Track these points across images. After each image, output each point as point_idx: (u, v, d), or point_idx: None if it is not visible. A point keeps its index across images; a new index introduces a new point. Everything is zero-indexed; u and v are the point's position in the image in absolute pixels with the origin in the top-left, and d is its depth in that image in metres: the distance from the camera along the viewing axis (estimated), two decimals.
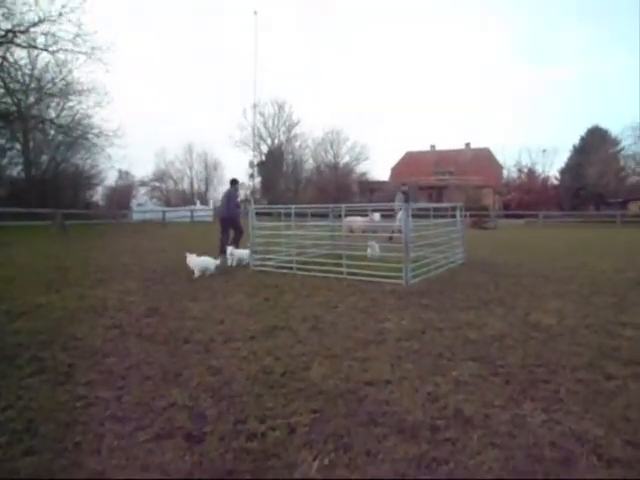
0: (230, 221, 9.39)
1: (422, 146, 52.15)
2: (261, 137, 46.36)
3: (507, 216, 32.23)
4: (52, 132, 24.00)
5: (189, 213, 28.37)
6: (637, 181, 33.00)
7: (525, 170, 37.09)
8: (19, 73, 21.78)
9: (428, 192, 44.73)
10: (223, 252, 8.51)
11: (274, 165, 45.70)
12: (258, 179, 47.52)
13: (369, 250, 8.61)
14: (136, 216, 30.75)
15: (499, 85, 73.94)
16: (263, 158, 46.86)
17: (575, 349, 3.49)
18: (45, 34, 19.42)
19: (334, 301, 5.34)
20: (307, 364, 3.21)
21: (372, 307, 5.02)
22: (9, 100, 21.54)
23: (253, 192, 47.88)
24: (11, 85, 21.28)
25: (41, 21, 18.95)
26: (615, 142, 35.29)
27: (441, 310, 4.85)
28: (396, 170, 49.91)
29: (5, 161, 23.80)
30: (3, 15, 18.25)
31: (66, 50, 20.47)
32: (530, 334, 3.92)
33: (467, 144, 48.94)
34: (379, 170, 57.49)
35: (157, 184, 49.94)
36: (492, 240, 15.29)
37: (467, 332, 3.98)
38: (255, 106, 45.60)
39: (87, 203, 28.91)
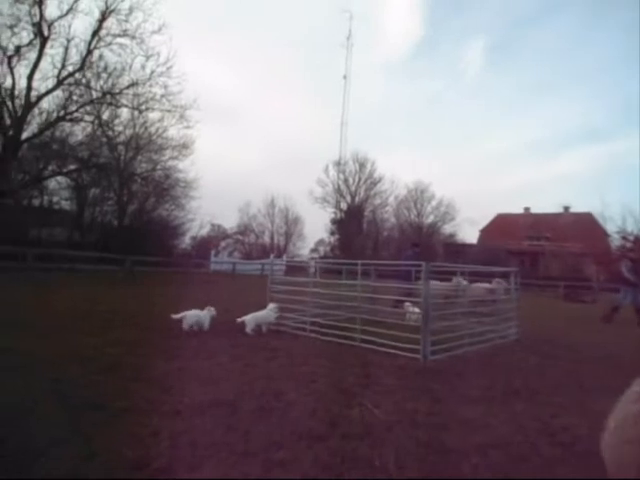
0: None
1: (514, 209, 49.17)
2: (341, 194, 46.80)
3: (615, 290, 28.12)
4: (142, 183, 26.23)
5: (260, 266, 28.76)
6: None
7: (631, 237, 32.75)
8: (121, 129, 24.61)
9: (520, 258, 41.40)
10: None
11: (353, 223, 45.58)
12: (336, 236, 47.63)
13: (408, 315, 7.59)
14: (213, 266, 31.90)
15: (601, 147, 68.20)
16: (342, 215, 47.02)
17: None
18: (136, 95, 21.85)
19: (320, 373, 4.50)
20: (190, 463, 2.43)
21: (358, 386, 4.10)
22: (109, 154, 24.14)
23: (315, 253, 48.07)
24: (113, 140, 23.90)
25: (133, 84, 21.34)
26: None
27: (442, 399, 3.81)
28: (486, 232, 47.26)
29: (99, 210, 26.34)
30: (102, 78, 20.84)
31: (153, 109, 22.77)
32: (540, 448, 2.79)
33: (566, 208, 45.12)
34: (467, 231, 54.55)
35: (240, 237, 52.15)
36: (579, 316, 13.15)
37: (448, 436, 2.94)
38: (339, 164, 46.95)
39: (170, 252, 30.59)
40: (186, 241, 40.06)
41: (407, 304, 7.72)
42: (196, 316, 6.40)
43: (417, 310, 7.61)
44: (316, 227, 64.64)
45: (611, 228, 34.61)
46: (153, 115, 24.07)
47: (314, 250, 54.91)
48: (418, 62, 72.78)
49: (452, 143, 72.72)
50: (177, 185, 27.10)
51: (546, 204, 60.54)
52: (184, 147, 26.35)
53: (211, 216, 46.20)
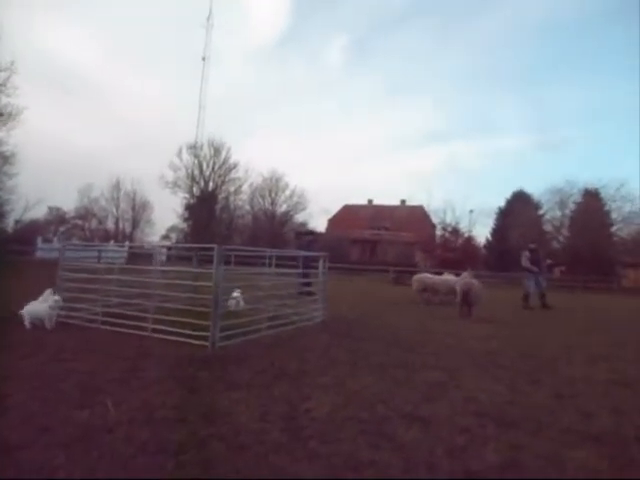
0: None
1: (360, 200, 52.67)
2: (194, 179, 44.90)
3: (437, 274, 31.78)
4: None
5: (96, 253, 26.00)
6: (556, 248, 33.97)
7: (449, 228, 37.63)
8: None
9: (362, 245, 44.57)
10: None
11: (206, 209, 44.13)
12: (189, 222, 45.66)
13: (231, 302, 7.37)
14: (40, 254, 28.06)
15: (436, 146, 76.93)
16: (195, 201, 45.20)
17: None
18: None
19: (79, 370, 3.93)
20: None
21: (114, 382, 3.64)
22: None
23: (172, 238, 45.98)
24: None
25: None
26: (537, 206, 36.76)
27: (202, 388, 3.57)
28: (333, 222, 49.78)
29: None
30: None
31: None
32: (269, 433, 2.69)
33: (403, 201, 49.84)
34: (317, 221, 56.78)
35: (80, 222, 46.87)
36: (397, 299, 14.38)
37: (181, 428, 2.69)
38: (194, 147, 44.85)
39: None
40: (9, 224, 34.62)
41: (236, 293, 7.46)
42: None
43: (241, 298, 7.43)
44: (166, 213, 60.87)
45: (436, 220, 39.23)
46: None
47: (165, 237, 51.86)
48: (282, 51, 73.23)
49: (308, 135, 74.89)
50: None
51: (388, 197, 65.99)
52: (9, 117, 22.47)
53: (41, 198, 40.60)
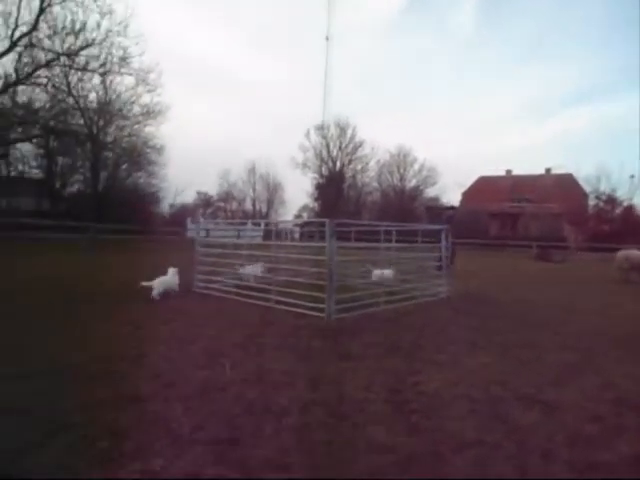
0: None
1: (497, 171, 48.81)
2: (322, 159, 46.08)
3: (593, 249, 27.71)
4: (114, 152, 25.64)
5: (235, 232, 28.45)
6: None
7: (603, 197, 32.77)
8: (92, 96, 23.82)
9: (501, 219, 41.49)
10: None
11: (335, 188, 45.11)
12: (320, 202, 47.20)
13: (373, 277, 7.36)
14: (190, 233, 31.59)
15: (583, 107, 66.95)
16: (324, 181, 46.46)
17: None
18: (92, 57, 20.88)
19: (207, 335, 4.34)
20: None
21: (236, 346, 3.94)
22: (81, 121, 23.45)
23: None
24: (80, 106, 23.06)
25: (88, 45, 20.40)
26: None
27: (314, 357, 3.68)
28: (468, 195, 47.04)
29: (69, 178, 25.85)
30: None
31: (114, 72, 22.00)
32: (373, 403, 2.66)
33: (548, 169, 44.86)
34: (450, 195, 53.90)
35: (222, 204, 51.58)
36: (536, 275, 13.13)
37: (278, 394, 2.80)
38: (321, 128, 46.01)
39: (147, 220, 30.15)
40: (165, 209, 39.68)
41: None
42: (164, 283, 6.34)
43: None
44: (297, 193, 63.66)
45: (588, 189, 34.62)
46: (127, 81, 23.37)
47: (298, 216, 54.52)
48: (406, 20, 70.37)
49: (436, 106, 71.23)
50: (150, 152, 26.57)
51: (529, 166, 59.84)
52: (159, 114, 25.67)
53: (190, 183, 45.62)
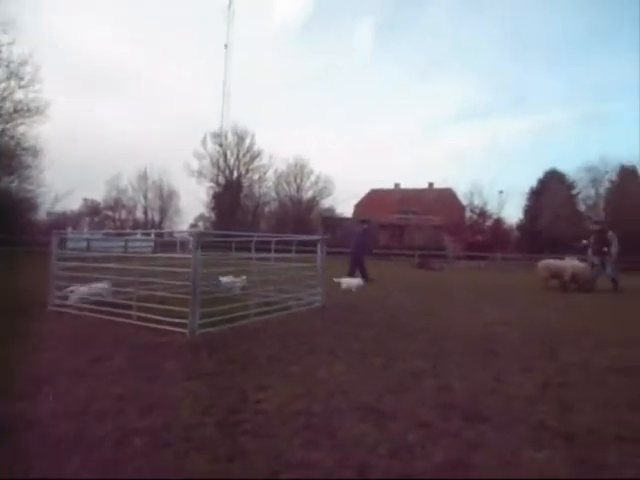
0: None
1: (387, 184, 51.72)
2: (219, 168, 45.13)
3: (470, 257, 30.67)
4: None
5: (122, 243, 26.57)
6: (590, 229, 32.31)
7: (477, 210, 36.49)
8: None
9: (390, 230, 43.89)
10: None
11: (232, 197, 44.36)
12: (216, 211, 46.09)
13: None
14: (71, 244, 28.89)
15: (463, 127, 74.15)
16: (220, 190, 45.50)
17: None
18: None
19: (48, 358, 3.85)
20: None
21: (67, 373, 3.53)
22: None
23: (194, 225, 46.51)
24: None
25: None
26: (571, 185, 35.01)
27: (159, 378, 3.41)
28: (360, 207, 49.15)
29: None
30: None
31: None
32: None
33: (430, 184, 48.61)
34: (344, 206, 55.66)
35: (110, 213, 48.03)
36: (413, 282, 13.97)
37: (97, 425, 2.52)
38: (218, 135, 45.05)
39: (17, 229, 26.89)
40: (42, 217, 36.01)
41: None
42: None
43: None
44: (193, 202, 61.47)
45: (465, 202, 38.16)
46: None
47: (194, 226, 52.54)
48: (307, 34, 72.25)
49: (333, 120, 73.86)
50: (25, 154, 23.80)
51: (415, 181, 64.29)
52: (36, 112, 23.10)
53: (76, 189, 41.93)
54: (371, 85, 74.60)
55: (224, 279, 7.25)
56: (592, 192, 34.04)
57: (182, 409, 2.79)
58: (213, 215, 47.82)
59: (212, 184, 46.06)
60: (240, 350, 4.31)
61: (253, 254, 6.55)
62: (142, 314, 5.39)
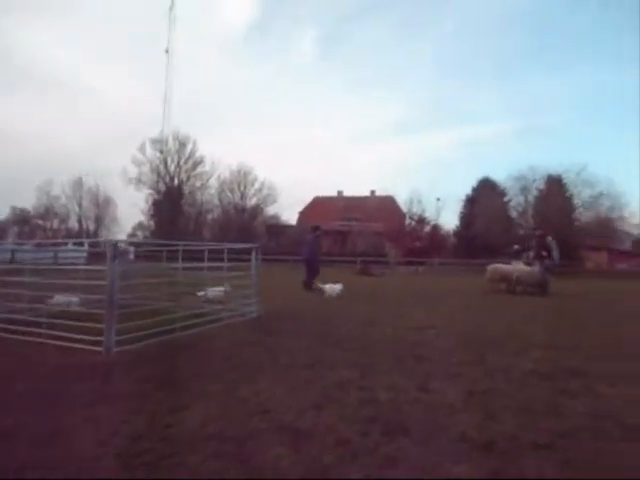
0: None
1: (330, 192, 52.19)
2: (159, 174, 43.63)
3: (409, 263, 31.51)
4: None
5: (51, 254, 24.83)
6: (520, 234, 34.16)
7: (415, 217, 37.67)
8: None
9: (333, 237, 44.19)
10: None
11: (172, 205, 42.96)
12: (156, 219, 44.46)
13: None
14: None
15: (404, 137, 76.61)
16: (161, 197, 43.97)
17: None
18: None
19: None
20: None
21: None
22: None
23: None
24: None
25: None
26: (503, 193, 36.89)
27: (60, 404, 3.07)
28: (304, 214, 49.18)
29: None
30: None
31: None
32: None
33: (372, 192, 49.56)
34: (288, 214, 55.51)
35: (41, 222, 45.02)
36: (354, 289, 14.01)
37: None
38: (159, 141, 43.55)
39: None
40: None
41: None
42: None
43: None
44: (132, 210, 59.09)
45: (405, 209, 39.21)
46: None
47: (132, 235, 50.37)
48: (249, 43, 71.92)
49: (277, 127, 73.90)
50: None
51: (358, 188, 65.48)
52: None
53: (3, 197, 38.96)
54: (314, 94, 75.65)
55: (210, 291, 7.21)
56: (522, 200, 35.94)
57: (81, 439, 2.50)
58: (152, 224, 46.11)
59: (151, 191, 44.48)
60: (159, 368, 4.02)
61: (180, 264, 6.20)
62: (53, 332, 4.94)
